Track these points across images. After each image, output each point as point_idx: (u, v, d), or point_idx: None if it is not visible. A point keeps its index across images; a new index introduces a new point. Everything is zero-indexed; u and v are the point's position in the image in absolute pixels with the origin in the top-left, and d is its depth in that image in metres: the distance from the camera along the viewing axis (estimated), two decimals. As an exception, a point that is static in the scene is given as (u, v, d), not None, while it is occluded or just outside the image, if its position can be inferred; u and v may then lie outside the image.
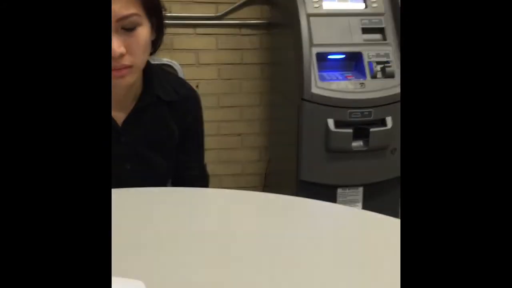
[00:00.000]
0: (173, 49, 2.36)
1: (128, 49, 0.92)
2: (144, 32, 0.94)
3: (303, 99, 1.85)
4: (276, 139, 2.44)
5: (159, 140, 1.08)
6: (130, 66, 0.94)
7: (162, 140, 1.09)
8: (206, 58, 2.44)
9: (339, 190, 1.95)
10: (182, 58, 2.36)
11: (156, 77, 1.07)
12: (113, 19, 0.88)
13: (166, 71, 1.16)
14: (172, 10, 2.27)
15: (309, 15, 1.87)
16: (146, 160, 1.07)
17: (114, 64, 0.92)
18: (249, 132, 2.58)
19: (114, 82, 0.95)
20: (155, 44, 1.03)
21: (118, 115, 1.04)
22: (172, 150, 1.12)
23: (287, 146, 2.12)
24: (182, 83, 1.15)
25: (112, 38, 0.89)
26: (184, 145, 1.14)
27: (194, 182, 1.14)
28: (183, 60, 2.38)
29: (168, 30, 2.48)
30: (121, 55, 0.91)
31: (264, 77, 2.51)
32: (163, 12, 1.00)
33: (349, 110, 1.84)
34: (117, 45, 0.90)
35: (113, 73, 0.93)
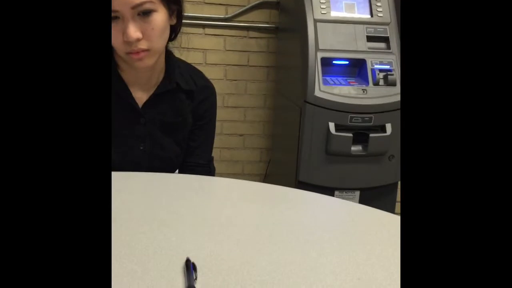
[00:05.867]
0: (182, 47, 2.40)
1: (144, 34, 0.97)
2: (159, 17, 0.99)
3: (306, 102, 1.89)
4: (278, 141, 2.49)
5: (173, 125, 1.13)
6: (147, 50, 0.99)
7: (176, 126, 1.14)
8: (213, 58, 2.49)
9: (336, 193, 1.99)
10: (190, 57, 2.41)
11: (177, 66, 1.13)
12: (128, 6, 0.94)
13: (186, 63, 1.20)
14: (183, 9, 2.33)
15: (316, 21, 1.92)
16: (159, 142, 1.12)
17: (132, 48, 0.97)
18: (251, 133, 2.63)
19: (134, 64, 1.00)
20: (176, 29, 1.08)
21: (141, 97, 1.10)
22: (184, 137, 1.17)
23: (288, 148, 2.16)
24: (200, 75, 1.20)
25: (128, 24, 0.95)
26: (195, 133, 1.19)
27: (199, 171, 1.19)
28: (191, 59, 2.41)
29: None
30: (138, 40, 0.97)
31: (269, 80, 2.56)
32: None
33: (350, 115, 1.89)
34: (133, 30, 0.95)
35: (132, 56, 0.98)
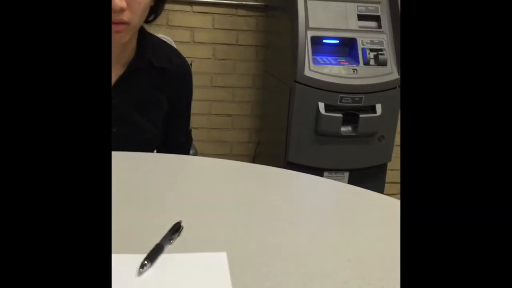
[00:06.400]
0: (169, 25, 2.35)
1: (129, 6, 0.95)
2: None
3: (295, 81, 1.86)
4: (267, 122, 2.46)
5: (146, 105, 1.10)
6: (127, 23, 0.96)
7: (150, 105, 1.10)
8: (201, 36, 2.44)
9: (326, 174, 1.98)
10: (177, 35, 2.36)
11: (150, 44, 1.10)
12: None
13: (162, 40, 1.17)
14: (170, -14, 2.27)
15: (306, -1, 1.88)
16: (133, 123, 1.08)
17: (113, 17, 0.94)
18: (240, 113, 2.60)
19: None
20: (155, 11, 1.06)
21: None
22: (160, 116, 1.13)
23: (277, 128, 2.14)
24: (176, 53, 1.16)
25: None
26: (173, 113, 1.15)
27: (179, 148, 1.18)
28: (178, 37, 2.38)
29: (165, 6, 2.47)
30: (122, 10, 0.94)
31: (258, 59, 2.52)
32: None
33: (340, 95, 1.87)
34: None
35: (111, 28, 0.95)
